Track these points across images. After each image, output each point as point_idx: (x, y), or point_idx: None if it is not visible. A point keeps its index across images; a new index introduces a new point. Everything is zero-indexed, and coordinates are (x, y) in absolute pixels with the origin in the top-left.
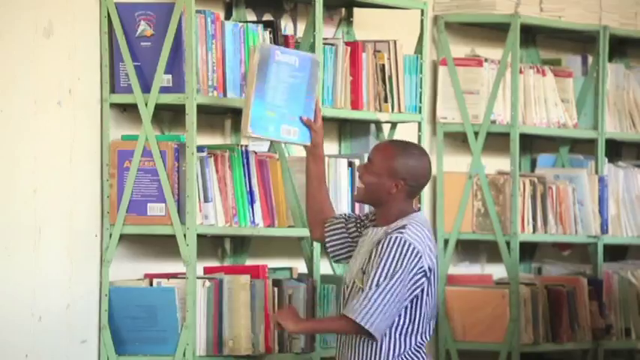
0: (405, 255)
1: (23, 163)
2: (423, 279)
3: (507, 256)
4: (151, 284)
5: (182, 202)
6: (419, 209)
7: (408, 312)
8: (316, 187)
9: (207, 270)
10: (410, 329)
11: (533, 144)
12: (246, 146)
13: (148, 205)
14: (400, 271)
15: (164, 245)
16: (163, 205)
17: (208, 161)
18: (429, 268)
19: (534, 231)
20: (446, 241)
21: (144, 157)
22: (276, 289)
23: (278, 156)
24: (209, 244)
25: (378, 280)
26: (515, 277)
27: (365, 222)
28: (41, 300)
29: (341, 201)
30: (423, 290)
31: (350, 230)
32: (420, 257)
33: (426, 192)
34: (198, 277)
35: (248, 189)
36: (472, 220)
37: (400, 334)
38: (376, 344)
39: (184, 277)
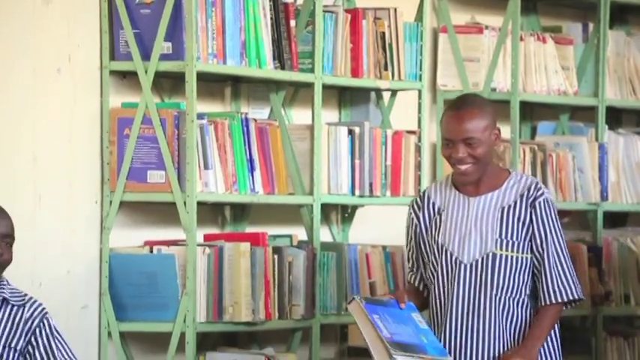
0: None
1: (23, 130)
2: None
3: None
4: (151, 251)
5: (182, 169)
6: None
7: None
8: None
9: (207, 237)
10: None
11: (533, 111)
12: (246, 114)
13: (148, 172)
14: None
15: (164, 212)
16: (163, 172)
17: (208, 129)
18: None
19: None
20: None
21: (144, 125)
22: (276, 257)
23: (278, 123)
24: (209, 211)
25: (561, 247)
26: None
27: (418, 212)
28: (42, 266)
29: (341, 167)
30: None
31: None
32: None
33: (425, 159)
34: (198, 245)
35: (248, 156)
36: None
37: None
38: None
39: (184, 245)
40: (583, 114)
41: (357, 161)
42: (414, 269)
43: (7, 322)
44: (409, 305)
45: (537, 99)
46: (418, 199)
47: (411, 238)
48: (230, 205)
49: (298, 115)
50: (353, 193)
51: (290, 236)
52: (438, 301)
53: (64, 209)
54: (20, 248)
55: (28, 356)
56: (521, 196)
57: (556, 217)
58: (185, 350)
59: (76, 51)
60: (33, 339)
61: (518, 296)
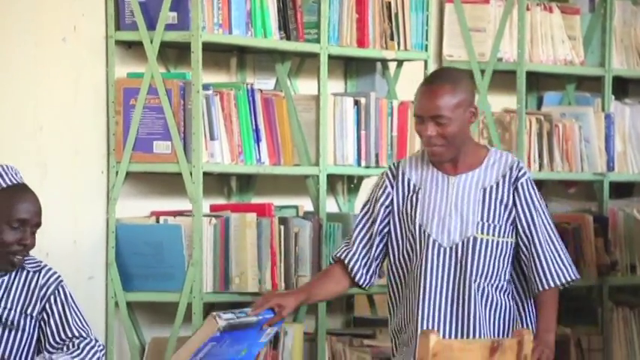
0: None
1: (28, 100)
2: None
3: None
4: (158, 222)
5: (188, 140)
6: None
7: None
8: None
9: (213, 208)
10: None
11: (539, 82)
12: (252, 84)
13: (154, 142)
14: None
15: (170, 183)
16: (169, 143)
17: (214, 99)
18: None
19: (540, 169)
20: None
21: (149, 95)
22: (282, 227)
23: (284, 94)
24: (215, 182)
25: (550, 228)
26: None
27: (393, 182)
28: (48, 237)
29: (347, 138)
30: None
31: (379, 235)
32: None
33: None
34: (204, 215)
35: (254, 127)
36: None
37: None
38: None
39: (191, 215)
40: (589, 84)
41: (362, 132)
42: (357, 247)
43: (22, 288)
44: (264, 317)
45: (544, 69)
46: (393, 170)
47: (374, 210)
48: (236, 176)
49: (304, 86)
50: (359, 164)
51: (296, 207)
52: (413, 285)
53: (70, 179)
54: None
55: (42, 323)
56: (503, 176)
57: (540, 197)
58: (192, 320)
59: (81, 20)
60: (47, 306)
61: (497, 282)
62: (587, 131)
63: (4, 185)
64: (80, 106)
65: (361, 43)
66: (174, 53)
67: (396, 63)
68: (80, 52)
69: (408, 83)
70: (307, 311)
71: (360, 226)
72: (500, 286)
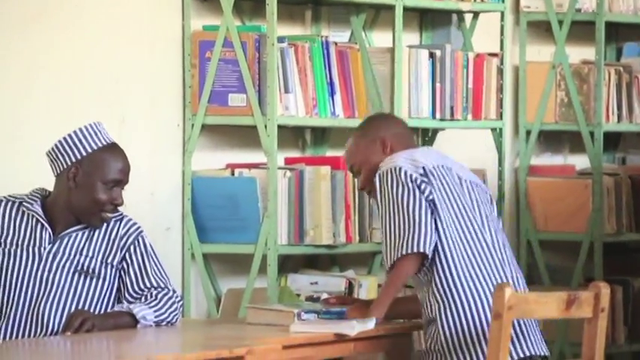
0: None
1: (105, 54)
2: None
3: (591, 146)
4: (233, 174)
5: (263, 92)
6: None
7: None
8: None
9: (287, 161)
10: None
11: (618, 32)
12: (327, 37)
13: (229, 95)
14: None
15: (245, 136)
16: (244, 95)
17: (289, 52)
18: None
19: (619, 120)
20: (528, 132)
21: (225, 48)
22: (356, 180)
23: (358, 46)
24: (290, 134)
25: (388, 215)
26: (599, 167)
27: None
28: (126, 189)
29: (422, 91)
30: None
31: None
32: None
33: (507, 82)
34: (279, 168)
35: (328, 80)
36: (555, 111)
37: None
38: None
39: (265, 168)
40: None
41: (437, 84)
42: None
43: (103, 237)
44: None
45: (623, 19)
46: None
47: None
48: (310, 129)
49: (379, 38)
50: (434, 117)
51: None
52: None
53: (146, 132)
54: None
55: (122, 272)
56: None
57: (385, 187)
58: (267, 272)
59: None
60: (127, 256)
61: None
62: None
63: (100, 145)
64: (156, 60)
65: None
66: (250, 6)
67: (472, 14)
68: (156, 5)
69: (484, 35)
70: (381, 263)
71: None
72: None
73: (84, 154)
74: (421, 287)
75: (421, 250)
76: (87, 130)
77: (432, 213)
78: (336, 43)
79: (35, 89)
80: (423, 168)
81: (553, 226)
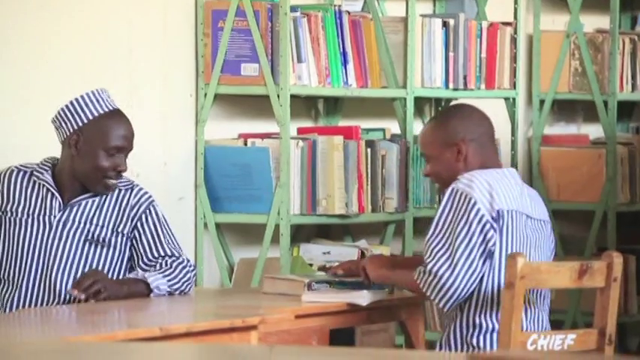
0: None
1: (118, 23)
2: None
3: (605, 115)
4: (246, 144)
5: (275, 62)
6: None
7: None
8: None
9: (300, 130)
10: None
11: (633, 1)
12: (340, 6)
13: (242, 65)
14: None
15: (258, 105)
16: (257, 65)
17: (301, 21)
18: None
19: (633, 90)
20: (542, 102)
21: (237, 17)
22: (369, 150)
23: (371, 16)
24: (302, 104)
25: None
26: (613, 136)
27: None
28: (139, 158)
29: (435, 60)
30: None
31: None
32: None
33: (521, 51)
34: (291, 138)
35: (341, 49)
36: (569, 80)
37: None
38: None
39: (278, 138)
40: None
41: (451, 54)
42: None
43: (114, 206)
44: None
45: None
46: None
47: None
48: (323, 99)
49: (392, 7)
50: (447, 86)
51: (383, 130)
52: None
53: (159, 102)
54: None
55: (134, 242)
56: None
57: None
58: (279, 242)
59: None
60: (139, 225)
61: None
62: None
63: (102, 111)
64: (169, 29)
65: None
66: None
67: None
68: None
69: (498, 4)
70: (394, 233)
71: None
72: None
73: (85, 121)
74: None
75: (436, 302)
76: (89, 97)
77: (483, 262)
78: (349, 13)
79: (48, 59)
80: (498, 212)
81: (566, 195)
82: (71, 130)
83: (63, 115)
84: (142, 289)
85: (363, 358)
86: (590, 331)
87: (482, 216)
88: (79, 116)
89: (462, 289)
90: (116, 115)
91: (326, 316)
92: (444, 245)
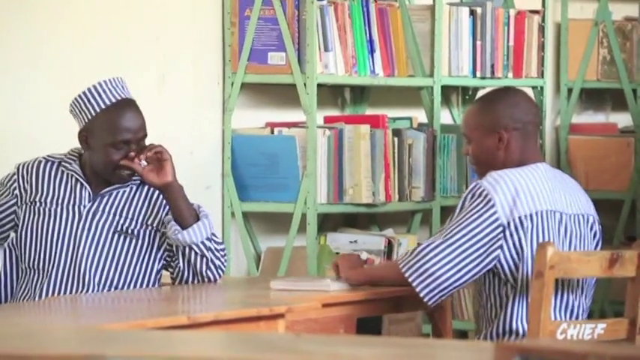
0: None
1: (146, 10)
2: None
3: (633, 104)
4: (272, 133)
5: (302, 51)
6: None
7: None
8: None
9: (327, 119)
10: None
11: None
12: None
13: (269, 54)
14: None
15: (285, 94)
16: (284, 54)
17: (328, 10)
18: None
19: None
20: (570, 90)
21: (264, 6)
22: (395, 139)
23: (398, 4)
24: (329, 93)
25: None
26: None
27: None
28: (166, 146)
29: (462, 48)
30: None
31: None
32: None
33: (549, 40)
34: (318, 127)
35: (368, 38)
36: (597, 68)
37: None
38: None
39: (305, 127)
40: None
41: (478, 42)
42: None
43: (144, 200)
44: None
45: None
46: None
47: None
48: (350, 87)
49: None
50: (474, 75)
51: (410, 118)
52: None
53: (186, 91)
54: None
55: (164, 235)
56: None
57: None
58: (306, 231)
59: None
60: (166, 219)
61: None
62: None
63: (103, 106)
64: (197, 17)
65: None
66: None
67: None
68: None
69: None
70: (421, 222)
71: None
72: None
73: (89, 117)
74: (480, 296)
75: (425, 299)
76: (90, 92)
77: (478, 264)
78: (375, 1)
79: (76, 48)
80: (519, 219)
81: (594, 184)
82: (80, 125)
83: (74, 108)
84: (192, 214)
85: (390, 347)
86: (621, 321)
87: (497, 219)
88: (84, 113)
89: (448, 280)
90: (120, 107)
91: (353, 305)
92: (443, 232)
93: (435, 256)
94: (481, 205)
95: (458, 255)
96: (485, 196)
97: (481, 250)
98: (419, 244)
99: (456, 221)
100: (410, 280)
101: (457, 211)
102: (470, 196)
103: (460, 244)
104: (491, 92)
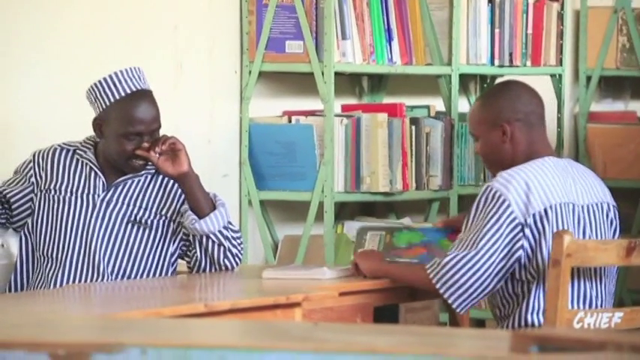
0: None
1: (164, 0)
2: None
3: None
4: (290, 121)
5: (320, 39)
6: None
7: None
8: None
9: (344, 108)
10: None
11: None
12: None
13: (286, 42)
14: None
15: (302, 83)
16: (301, 42)
17: None
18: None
19: None
20: (588, 78)
21: None
22: (413, 128)
23: None
24: (347, 81)
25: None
26: None
27: None
28: (183, 134)
29: (480, 36)
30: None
31: None
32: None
33: (568, 28)
34: (336, 115)
35: (386, 26)
36: (616, 56)
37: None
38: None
39: (322, 115)
40: None
41: (496, 30)
42: None
43: (159, 189)
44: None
45: None
46: None
47: None
48: (367, 76)
49: None
50: (492, 63)
51: (427, 107)
52: None
53: (204, 79)
54: (162, 117)
55: (179, 225)
56: None
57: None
58: (323, 219)
59: None
60: (183, 209)
61: None
62: None
63: (117, 97)
64: (214, 6)
65: None
66: None
67: None
68: None
69: None
70: (438, 211)
71: None
72: None
73: (105, 105)
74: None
75: (450, 301)
76: (106, 81)
77: (505, 265)
78: None
79: (93, 36)
80: (534, 215)
81: (613, 172)
82: (95, 113)
83: (89, 96)
84: (209, 204)
85: (407, 336)
86: (638, 309)
87: (515, 218)
88: (100, 101)
89: (478, 289)
90: (135, 97)
91: (370, 294)
92: (467, 242)
93: (463, 266)
94: (497, 207)
95: (485, 263)
96: (499, 197)
97: (505, 252)
98: (446, 255)
99: (476, 228)
100: (441, 291)
101: (472, 215)
102: (483, 199)
103: (485, 252)
104: (492, 87)
